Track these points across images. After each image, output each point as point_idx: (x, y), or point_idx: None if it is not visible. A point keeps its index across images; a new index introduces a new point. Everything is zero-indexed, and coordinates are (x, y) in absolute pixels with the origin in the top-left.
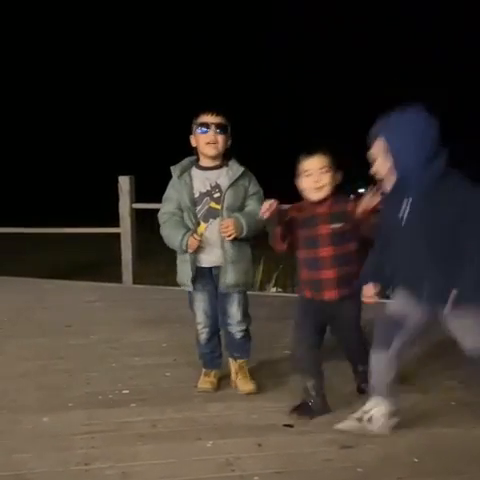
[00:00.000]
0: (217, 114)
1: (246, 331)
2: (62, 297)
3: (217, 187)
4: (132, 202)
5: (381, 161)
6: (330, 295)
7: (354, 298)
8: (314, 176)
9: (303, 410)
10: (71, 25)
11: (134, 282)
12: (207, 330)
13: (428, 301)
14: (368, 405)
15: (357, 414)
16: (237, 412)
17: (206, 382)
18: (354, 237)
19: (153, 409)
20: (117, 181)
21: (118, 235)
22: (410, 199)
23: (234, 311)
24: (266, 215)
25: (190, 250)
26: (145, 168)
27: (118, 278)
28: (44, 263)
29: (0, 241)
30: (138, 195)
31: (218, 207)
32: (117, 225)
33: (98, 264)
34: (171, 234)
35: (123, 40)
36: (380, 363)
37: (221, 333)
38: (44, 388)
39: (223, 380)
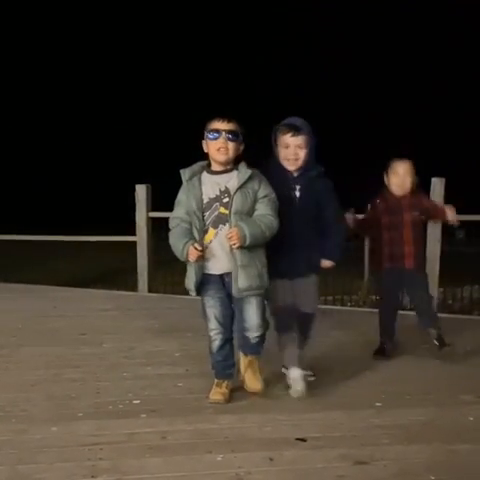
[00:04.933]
0: (228, 121)
1: (263, 336)
2: (77, 305)
3: (226, 192)
4: (148, 211)
5: (305, 152)
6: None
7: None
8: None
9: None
10: (88, 39)
11: (149, 291)
12: (220, 337)
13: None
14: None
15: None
16: (249, 425)
17: (218, 393)
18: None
19: (163, 420)
20: (134, 190)
21: (134, 243)
22: (298, 187)
23: (252, 315)
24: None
25: (190, 259)
26: (161, 177)
27: (133, 286)
28: (60, 271)
29: (16, 249)
30: (154, 204)
31: (227, 212)
32: (133, 233)
33: (114, 272)
34: (175, 244)
35: (142, 50)
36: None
37: (234, 342)
38: (54, 397)
39: (235, 392)
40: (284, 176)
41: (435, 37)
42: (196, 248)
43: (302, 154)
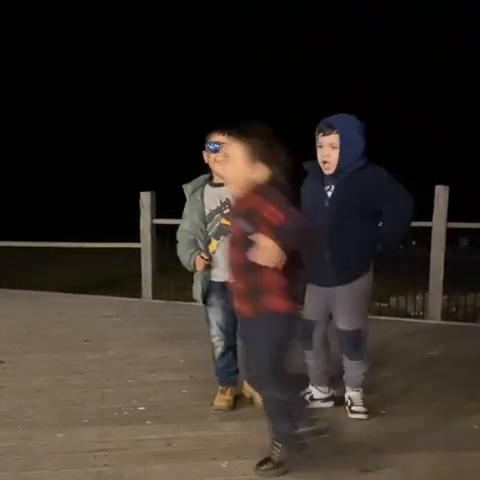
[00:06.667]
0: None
1: None
2: (81, 312)
3: (227, 203)
4: (153, 218)
5: (337, 151)
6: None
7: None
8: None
9: None
10: (93, 45)
11: (153, 297)
12: (222, 344)
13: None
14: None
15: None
16: (253, 432)
17: (222, 400)
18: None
19: (168, 427)
20: (138, 197)
21: (139, 250)
22: (332, 186)
23: None
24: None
25: (197, 269)
26: (166, 184)
27: (137, 293)
28: (64, 277)
29: (21, 255)
30: (159, 211)
31: (229, 223)
32: (138, 240)
33: (118, 279)
34: (182, 254)
35: (146, 55)
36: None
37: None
38: (59, 404)
39: (239, 398)
40: (319, 175)
41: (435, 37)
42: (203, 257)
43: (334, 154)
